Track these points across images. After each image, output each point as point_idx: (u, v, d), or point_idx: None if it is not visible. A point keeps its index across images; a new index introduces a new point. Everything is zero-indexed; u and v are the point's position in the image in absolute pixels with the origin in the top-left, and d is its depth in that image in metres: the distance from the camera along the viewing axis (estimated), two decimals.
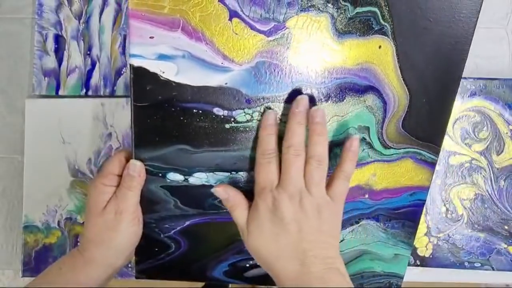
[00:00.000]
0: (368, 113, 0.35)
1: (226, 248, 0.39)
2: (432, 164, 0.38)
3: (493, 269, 0.54)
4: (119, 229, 0.36)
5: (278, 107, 0.34)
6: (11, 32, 0.63)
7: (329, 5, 0.31)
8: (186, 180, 0.37)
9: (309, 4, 0.31)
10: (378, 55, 0.33)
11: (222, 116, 0.34)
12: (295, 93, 0.33)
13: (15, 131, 0.61)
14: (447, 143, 0.54)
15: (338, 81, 0.34)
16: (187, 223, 0.38)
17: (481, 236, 0.54)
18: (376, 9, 0.31)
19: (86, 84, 0.59)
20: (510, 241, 0.54)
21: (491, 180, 0.54)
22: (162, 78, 0.33)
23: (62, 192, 0.58)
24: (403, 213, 0.40)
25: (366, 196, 0.39)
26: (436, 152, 0.38)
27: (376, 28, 0.32)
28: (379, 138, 0.36)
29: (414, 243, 0.53)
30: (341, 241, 0.40)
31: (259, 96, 0.33)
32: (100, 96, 0.59)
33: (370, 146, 0.36)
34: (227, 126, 0.34)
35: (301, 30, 0.32)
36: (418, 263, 0.54)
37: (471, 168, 0.54)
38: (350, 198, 0.38)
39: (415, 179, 0.38)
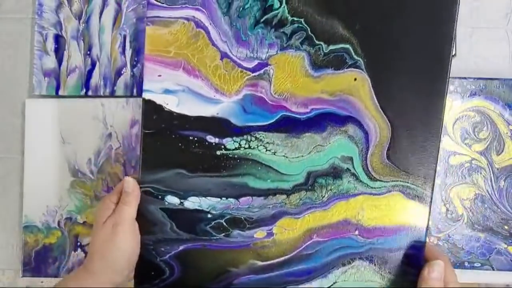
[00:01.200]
0: (350, 143, 0.36)
1: (215, 279, 0.40)
2: (425, 200, 0.37)
3: (493, 269, 0.54)
4: (115, 241, 0.38)
5: (264, 136, 0.38)
6: (11, 32, 0.63)
7: (305, 44, 0.35)
8: (181, 203, 0.40)
9: (287, 44, 0.36)
10: (355, 87, 0.35)
11: (213, 144, 0.38)
12: (278, 123, 0.37)
13: (15, 131, 0.61)
14: (447, 143, 0.54)
15: (318, 111, 0.36)
16: (181, 248, 0.40)
17: (481, 236, 0.54)
18: (348, 46, 0.35)
19: (86, 84, 0.59)
20: (510, 241, 0.54)
21: (491, 180, 0.54)
22: (166, 108, 0.38)
23: (62, 192, 0.58)
24: (400, 256, 0.38)
25: (356, 232, 0.38)
26: (429, 186, 0.36)
27: (350, 63, 0.35)
28: (364, 169, 0.37)
29: None
30: (334, 283, 0.39)
31: (246, 125, 0.37)
32: (100, 96, 0.59)
33: (356, 177, 0.37)
34: (218, 152, 0.38)
35: (282, 66, 0.36)
36: None
37: (471, 168, 0.54)
38: (338, 233, 0.38)
39: (408, 217, 0.37)
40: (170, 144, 0.39)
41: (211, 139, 0.38)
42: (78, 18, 0.60)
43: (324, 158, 0.37)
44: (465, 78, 0.55)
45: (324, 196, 0.37)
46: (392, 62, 0.35)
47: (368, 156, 0.36)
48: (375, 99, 0.35)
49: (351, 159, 0.37)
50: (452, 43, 0.34)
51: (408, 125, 0.36)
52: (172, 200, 0.40)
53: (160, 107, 0.38)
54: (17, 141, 0.61)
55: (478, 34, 0.59)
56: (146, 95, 0.39)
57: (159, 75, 0.38)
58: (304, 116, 0.37)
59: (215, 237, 0.39)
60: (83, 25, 0.60)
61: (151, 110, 0.39)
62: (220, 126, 0.38)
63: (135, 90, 0.59)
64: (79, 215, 0.57)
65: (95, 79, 0.59)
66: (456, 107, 0.54)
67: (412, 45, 0.35)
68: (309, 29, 0.35)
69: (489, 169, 0.54)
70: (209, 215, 0.39)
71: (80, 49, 0.60)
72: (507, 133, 0.54)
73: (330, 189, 0.37)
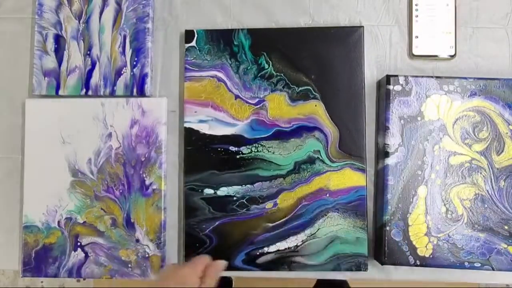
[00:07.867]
0: (317, 142, 0.58)
1: (242, 241, 0.58)
2: (363, 170, 0.58)
3: (493, 269, 0.54)
4: None
5: (266, 143, 0.58)
6: (11, 32, 0.63)
7: (285, 88, 0.59)
8: (215, 193, 0.58)
9: (275, 88, 0.59)
10: (316, 110, 0.58)
11: (234, 151, 0.58)
12: (274, 134, 0.58)
13: (15, 131, 0.61)
14: (447, 143, 0.54)
15: (296, 125, 0.59)
16: (217, 223, 0.58)
17: (481, 236, 0.54)
18: (309, 87, 0.58)
19: (86, 84, 0.59)
20: (510, 241, 0.54)
21: (491, 180, 0.54)
22: (200, 132, 0.59)
23: (62, 192, 0.58)
24: (353, 206, 0.57)
25: (327, 195, 0.57)
26: (363, 162, 0.57)
27: (311, 96, 0.58)
28: (327, 156, 0.58)
29: (414, 243, 0.54)
30: (318, 229, 0.57)
31: (254, 138, 0.58)
32: (100, 96, 0.59)
33: (323, 162, 0.58)
34: (237, 156, 0.58)
35: (273, 101, 0.59)
36: (418, 263, 0.54)
37: (471, 168, 0.54)
38: (317, 197, 0.58)
39: (355, 181, 0.57)
40: (205, 154, 0.58)
41: (233, 148, 0.58)
42: (78, 18, 0.60)
43: (303, 152, 0.58)
44: (465, 78, 0.55)
45: (306, 176, 0.58)
46: (333, 93, 0.58)
47: (328, 148, 0.58)
48: (328, 115, 0.58)
49: (319, 151, 0.58)
50: (362, 83, 0.58)
51: (348, 129, 0.58)
52: (208, 191, 0.58)
53: (197, 132, 0.59)
54: (17, 141, 0.61)
55: (478, 34, 0.59)
56: (186, 124, 0.59)
57: (195, 112, 0.59)
58: (289, 129, 0.58)
59: (239, 212, 0.58)
60: (83, 25, 0.60)
61: (191, 134, 0.59)
62: (238, 139, 0.58)
63: (135, 90, 0.59)
64: (79, 215, 0.57)
65: (95, 79, 0.59)
66: (456, 107, 0.54)
67: (342, 84, 0.58)
68: (286, 79, 0.59)
69: (489, 169, 0.54)
70: (234, 198, 0.58)
71: (80, 49, 0.60)
72: (507, 133, 0.54)
73: (309, 171, 0.58)
